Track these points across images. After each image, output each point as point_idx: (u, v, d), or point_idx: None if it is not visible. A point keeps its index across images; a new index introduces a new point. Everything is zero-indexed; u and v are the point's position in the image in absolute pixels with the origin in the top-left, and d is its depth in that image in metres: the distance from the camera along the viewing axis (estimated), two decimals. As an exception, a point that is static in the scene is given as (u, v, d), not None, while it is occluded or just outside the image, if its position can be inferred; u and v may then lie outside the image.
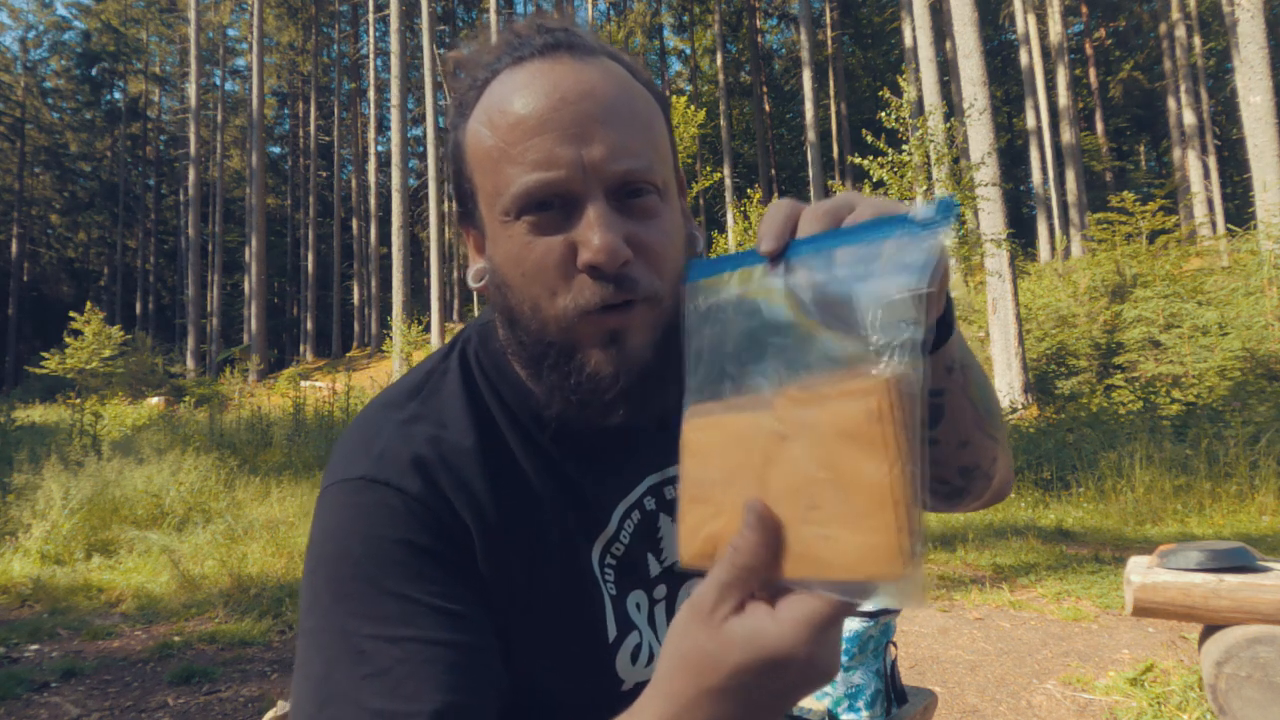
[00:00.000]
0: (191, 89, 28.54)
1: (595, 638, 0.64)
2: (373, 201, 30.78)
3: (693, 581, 0.71)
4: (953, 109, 18.25)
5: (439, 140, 25.91)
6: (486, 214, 0.62)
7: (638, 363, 0.60)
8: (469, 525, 0.60)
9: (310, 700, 0.55)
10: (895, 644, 1.64)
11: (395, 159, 18.79)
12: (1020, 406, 9.72)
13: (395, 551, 0.57)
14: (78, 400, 11.18)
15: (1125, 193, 15.24)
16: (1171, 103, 23.22)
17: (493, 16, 26.72)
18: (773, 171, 32.64)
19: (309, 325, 33.10)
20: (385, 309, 31.85)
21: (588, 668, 0.64)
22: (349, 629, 0.55)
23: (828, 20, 31.17)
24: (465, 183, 0.64)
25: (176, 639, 3.41)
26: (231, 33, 37.77)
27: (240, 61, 40.21)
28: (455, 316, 33.88)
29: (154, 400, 17.35)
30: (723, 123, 28.86)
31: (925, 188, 10.70)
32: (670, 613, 0.69)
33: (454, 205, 0.69)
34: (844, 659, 1.67)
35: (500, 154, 0.59)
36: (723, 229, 27.39)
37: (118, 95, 40.82)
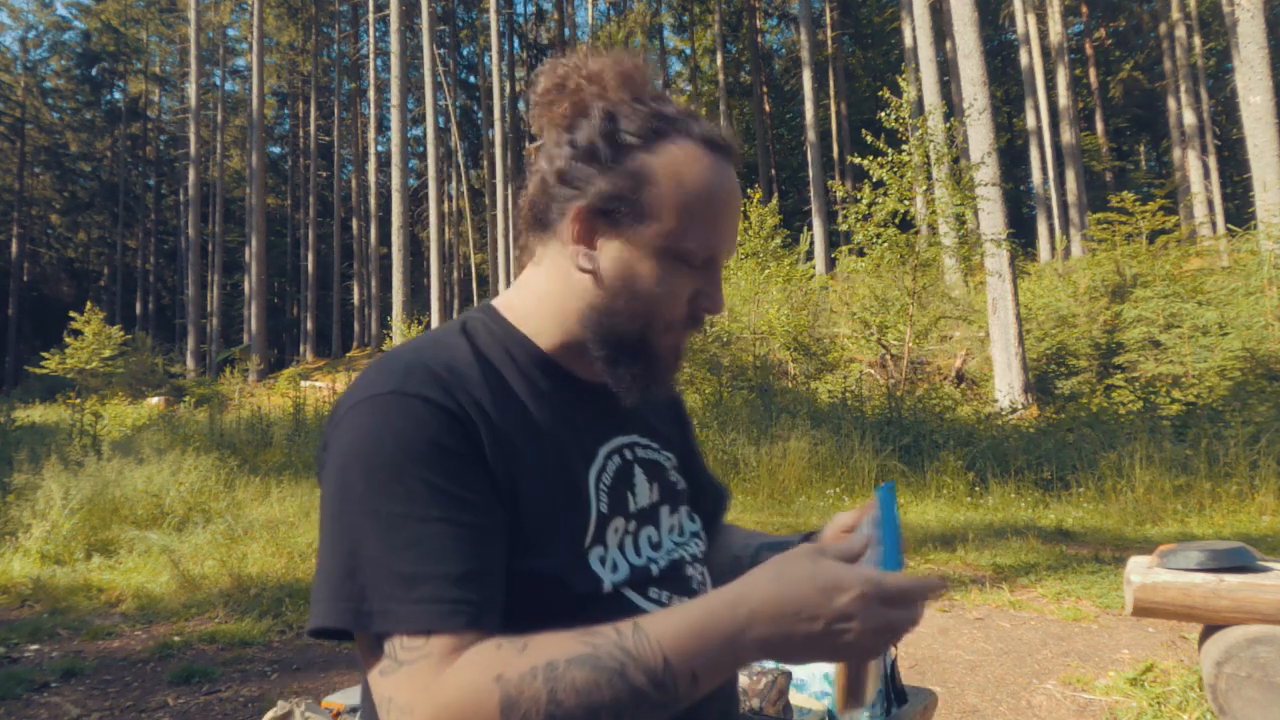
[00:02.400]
0: (191, 89, 28.54)
1: (575, 541, 0.74)
2: (373, 201, 30.77)
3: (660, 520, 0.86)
4: (953, 109, 18.24)
5: (439, 140, 25.90)
6: (646, 236, 0.75)
7: (679, 370, 0.84)
8: (482, 434, 0.70)
9: (337, 572, 0.64)
10: (895, 644, 1.64)
11: (395, 159, 18.77)
12: (1020, 406, 9.72)
13: (424, 448, 0.66)
14: (78, 400, 11.18)
15: (1125, 193, 15.23)
16: (1171, 103, 23.22)
17: (493, 17, 26.71)
18: (773, 171, 32.63)
19: (309, 325, 33.08)
20: (385, 309, 31.85)
21: (569, 564, 0.73)
22: (380, 509, 0.64)
23: (828, 20, 31.15)
24: (634, 195, 0.75)
25: (176, 639, 3.41)
26: (231, 33, 37.75)
27: (240, 61, 40.21)
28: (455, 316, 33.83)
29: (154, 400, 17.35)
30: (723, 123, 28.57)
31: (925, 188, 10.70)
32: (636, 547, 0.80)
33: (578, 190, 0.78)
34: (844, 659, 1.67)
35: (693, 216, 0.75)
36: (723, 229, 27.32)
37: (118, 95, 40.80)
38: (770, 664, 1.30)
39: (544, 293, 0.81)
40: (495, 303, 0.85)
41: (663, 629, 0.61)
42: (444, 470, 0.66)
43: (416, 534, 0.63)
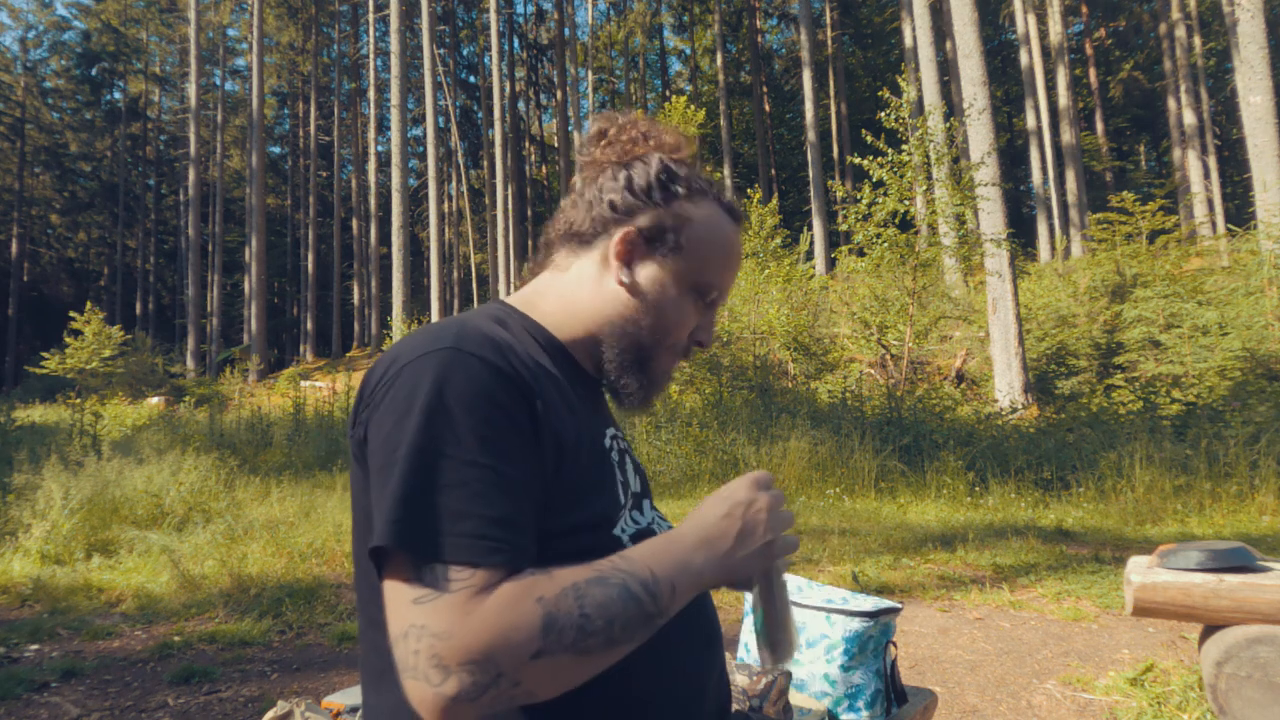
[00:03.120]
0: (191, 89, 28.54)
1: (613, 500, 0.85)
2: (373, 201, 30.76)
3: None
4: (953, 109, 18.26)
5: (439, 140, 25.89)
6: (677, 270, 0.91)
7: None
8: (534, 389, 0.77)
9: (393, 505, 0.68)
10: (895, 644, 1.64)
11: (395, 159, 18.77)
12: (1020, 406, 9.72)
13: (479, 401, 0.72)
14: (78, 400, 11.18)
15: (1125, 193, 15.23)
16: (1171, 103, 23.22)
17: (493, 17, 26.71)
18: (773, 171, 32.63)
19: (309, 325, 33.08)
20: (385, 309, 31.87)
21: (612, 515, 0.83)
22: (432, 449, 0.69)
23: (828, 20, 31.14)
24: (679, 237, 0.91)
25: (176, 639, 3.41)
26: (231, 33, 37.75)
27: (240, 61, 40.22)
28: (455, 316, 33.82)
29: (154, 400, 17.35)
30: (723, 123, 28.86)
31: (925, 188, 10.70)
32: (640, 512, 0.91)
33: (632, 217, 0.93)
34: (844, 659, 1.67)
35: (717, 264, 0.93)
36: (723, 229, 27.33)
37: (118, 95, 40.80)
38: (770, 664, 1.31)
39: (570, 297, 0.92)
40: (511, 301, 0.95)
41: (642, 552, 0.74)
42: (495, 424, 0.72)
43: (465, 476, 0.69)
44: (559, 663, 0.66)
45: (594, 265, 0.92)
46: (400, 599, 0.67)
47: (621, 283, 0.90)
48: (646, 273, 0.91)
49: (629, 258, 0.91)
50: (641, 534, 0.86)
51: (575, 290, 0.92)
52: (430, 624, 0.64)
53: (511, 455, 0.72)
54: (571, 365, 0.91)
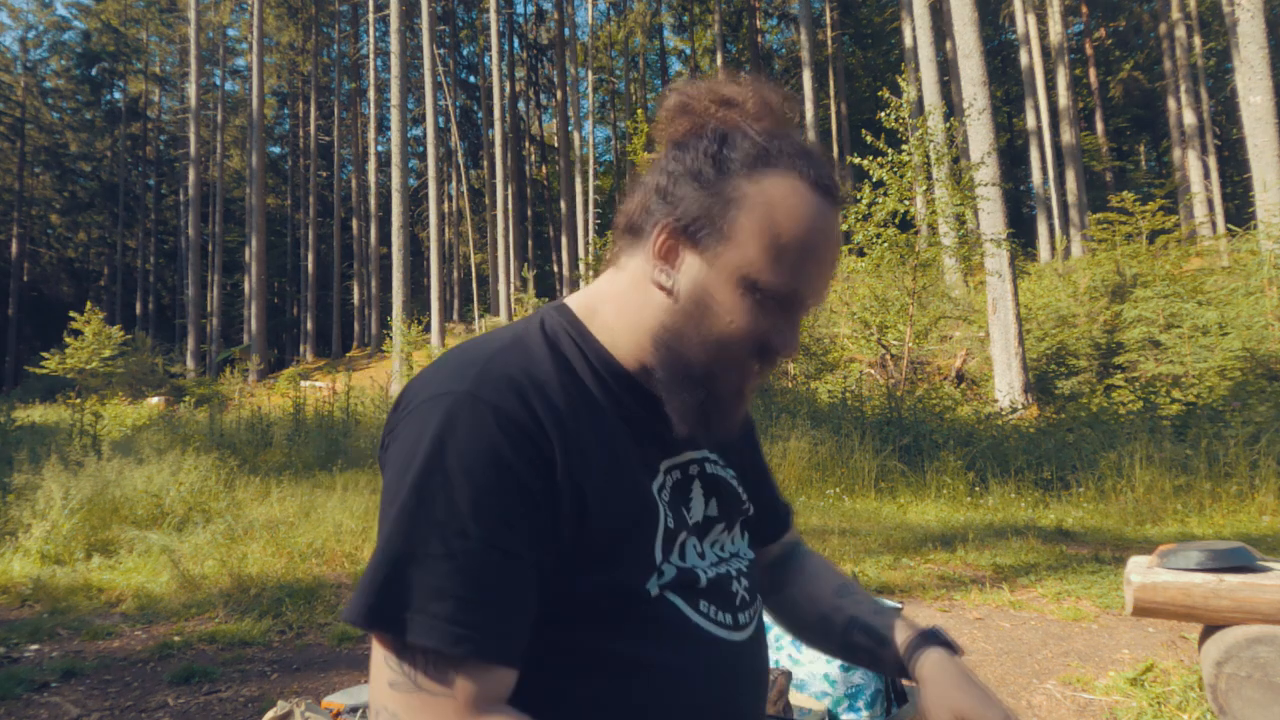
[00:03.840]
0: (191, 89, 28.53)
1: (645, 555, 0.74)
2: (373, 201, 30.77)
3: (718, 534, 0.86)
4: (953, 109, 18.24)
5: (439, 140, 25.89)
6: (727, 261, 0.74)
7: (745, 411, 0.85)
8: (554, 441, 0.69)
9: (382, 568, 0.65)
10: (895, 644, 1.64)
11: (395, 159, 18.77)
12: (1020, 406, 9.72)
13: (482, 461, 0.66)
14: (78, 400, 11.18)
15: (1125, 193, 15.23)
16: (1171, 103, 23.21)
17: (493, 17, 26.71)
18: (773, 171, 32.57)
19: (309, 325, 33.08)
20: (385, 309, 31.84)
21: (636, 578, 0.73)
22: (422, 514, 0.65)
23: (828, 20, 31.15)
24: (726, 221, 0.73)
25: (176, 639, 3.41)
26: (231, 33, 37.74)
27: (240, 61, 40.20)
28: (455, 316, 33.87)
29: (154, 400, 17.35)
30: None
31: (925, 188, 10.70)
32: (683, 554, 0.79)
33: (662, 209, 0.78)
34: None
35: (781, 252, 0.73)
36: (723, 229, 27.33)
37: (118, 95, 40.80)
38: (770, 664, 1.31)
39: (624, 304, 0.80)
40: (572, 305, 0.83)
41: None
42: (498, 491, 0.66)
43: (452, 547, 0.64)
44: None
45: (642, 264, 0.78)
46: (380, 668, 0.66)
47: (660, 285, 0.76)
48: (690, 272, 0.75)
49: (669, 253, 0.76)
50: (687, 575, 0.77)
51: (629, 295, 0.79)
52: (402, 716, 0.64)
53: (512, 523, 0.66)
54: (632, 388, 0.79)
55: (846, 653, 0.95)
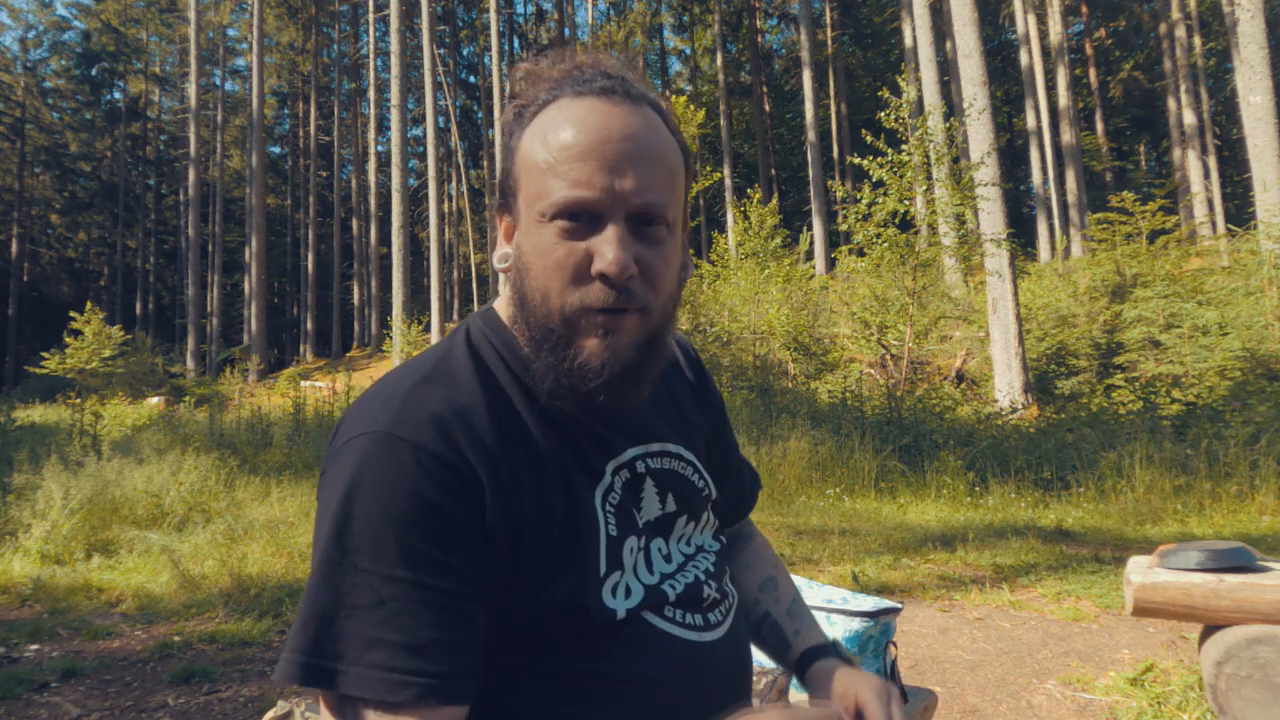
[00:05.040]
0: (191, 89, 28.54)
1: (589, 570, 0.72)
2: (373, 201, 30.77)
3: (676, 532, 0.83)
4: (953, 109, 18.25)
5: (439, 140, 25.89)
6: (524, 210, 0.72)
7: (622, 360, 0.71)
8: (480, 476, 0.67)
9: (311, 623, 0.63)
10: (895, 644, 1.64)
11: (395, 159, 18.78)
12: (1020, 406, 9.72)
13: (402, 502, 0.63)
14: (78, 400, 11.18)
15: (1125, 193, 15.22)
16: (1171, 103, 23.21)
17: (493, 17, 26.70)
18: (773, 171, 32.62)
19: (309, 325, 33.09)
20: (385, 309, 31.84)
21: (583, 596, 0.71)
22: (346, 563, 0.63)
23: (828, 20, 31.15)
24: (511, 180, 0.74)
25: (176, 639, 3.41)
26: (231, 33, 37.75)
27: (240, 61, 40.22)
28: (455, 316, 33.87)
29: (154, 400, 17.35)
30: (723, 123, 28.85)
31: (925, 188, 10.70)
32: (649, 564, 0.78)
33: (495, 195, 0.80)
34: (844, 659, 1.67)
35: (548, 167, 0.69)
36: (723, 229, 27.37)
37: (118, 95, 40.81)
38: (770, 664, 1.30)
39: (509, 298, 0.79)
40: (497, 306, 0.82)
41: None
42: (422, 529, 0.63)
43: (381, 594, 0.62)
44: None
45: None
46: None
47: (501, 269, 0.77)
48: (515, 238, 0.75)
49: (508, 233, 0.77)
50: (655, 594, 0.76)
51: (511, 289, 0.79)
52: None
53: (443, 565, 0.63)
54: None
55: (759, 645, 0.97)
